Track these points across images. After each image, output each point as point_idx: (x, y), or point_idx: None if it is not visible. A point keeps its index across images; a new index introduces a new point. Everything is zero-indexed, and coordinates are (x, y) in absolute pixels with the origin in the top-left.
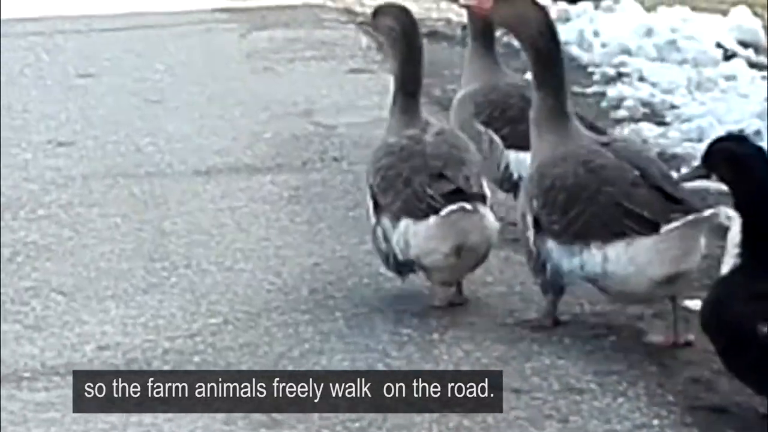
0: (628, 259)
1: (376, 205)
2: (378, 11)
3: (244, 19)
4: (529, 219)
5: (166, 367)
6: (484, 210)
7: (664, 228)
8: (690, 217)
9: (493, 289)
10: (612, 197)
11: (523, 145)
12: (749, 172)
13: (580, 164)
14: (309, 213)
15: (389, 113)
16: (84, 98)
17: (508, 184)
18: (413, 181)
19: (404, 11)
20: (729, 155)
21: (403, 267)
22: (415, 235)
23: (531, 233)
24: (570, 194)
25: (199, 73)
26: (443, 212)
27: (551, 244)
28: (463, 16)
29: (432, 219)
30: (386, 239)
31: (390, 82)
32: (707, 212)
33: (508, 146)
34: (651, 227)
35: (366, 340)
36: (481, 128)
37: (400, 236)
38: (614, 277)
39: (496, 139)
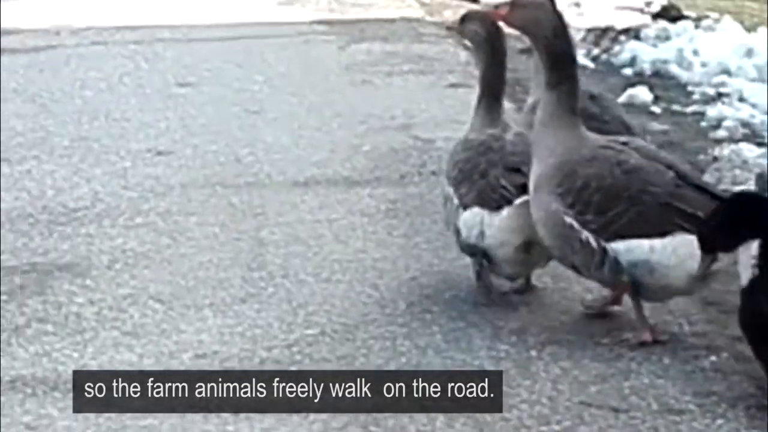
0: (671, 254)
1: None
2: (465, 17)
3: (342, 32)
4: (569, 219)
5: (264, 377)
6: None
7: None
8: None
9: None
10: (658, 197)
11: None
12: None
13: (615, 165)
14: (406, 226)
15: (473, 113)
16: (183, 107)
17: None
18: (489, 173)
19: (489, 19)
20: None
21: (475, 254)
22: (490, 226)
23: (587, 232)
24: (608, 195)
25: (298, 85)
26: (516, 202)
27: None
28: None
29: (505, 210)
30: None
31: None
32: None
33: None
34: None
35: (463, 355)
36: None
37: (475, 225)
38: (658, 271)
39: None
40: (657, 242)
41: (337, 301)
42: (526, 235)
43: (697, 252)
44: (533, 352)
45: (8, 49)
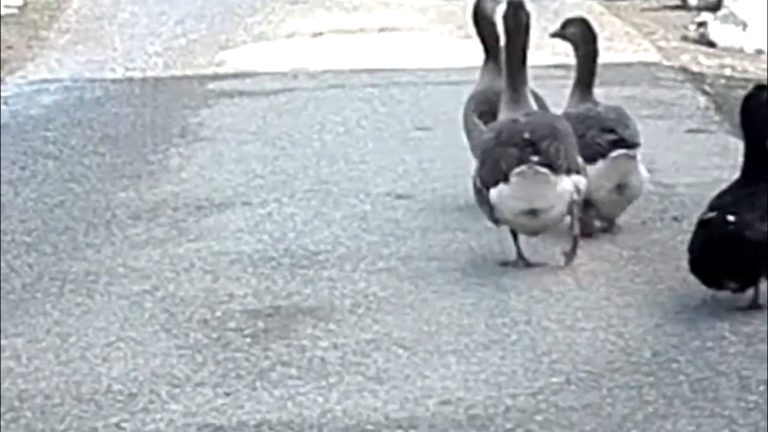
0: (498, 198)
1: None
2: (566, 23)
3: (573, 76)
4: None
5: (509, 425)
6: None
7: (511, 177)
8: (521, 169)
9: None
10: (494, 155)
11: None
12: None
13: (493, 130)
14: (650, 273)
15: (570, 94)
16: (421, 151)
17: None
18: (586, 134)
19: (585, 23)
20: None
21: None
22: (587, 175)
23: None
24: (482, 152)
25: None
26: (611, 155)
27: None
28: None
29: (600, 162)
30: None
31: (730, 141)
32: (536, 168)
33: None
34: (505, 177)
35: (711, 405)
36: (477, 121)
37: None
38: (498, 211)
39: (484, 129)
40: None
41: (581, 348)
42: (618, 180)
43: (503, 197)
44: None
45: (247, 92)
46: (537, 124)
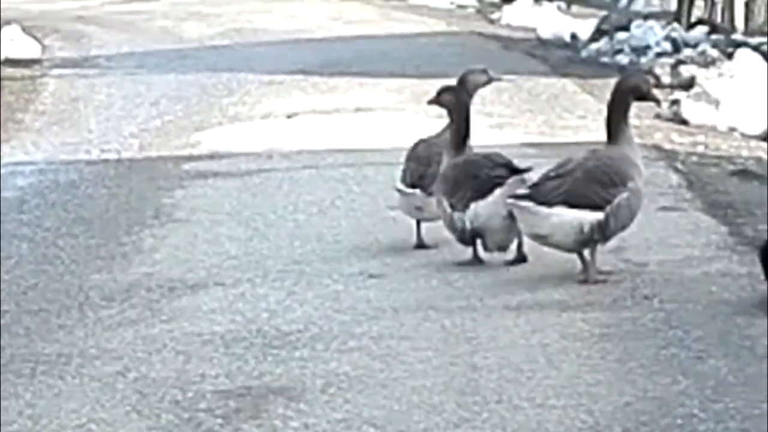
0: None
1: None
2: (441, 91)
3: (552, 155)
4: None
5: None
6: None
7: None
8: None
9: None
10: None
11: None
12: None
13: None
14: (620, 351)
15: (445, 151)
16: (394, 231)
17: None
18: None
19: (458, 91)
20: None
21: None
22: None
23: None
24: None
25: None
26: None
27: None
28: None
29: (497, 191)
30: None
31: (701, 219)
32: (516, 202)
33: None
34: None
35: None
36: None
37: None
38: None
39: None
40: None
41: (551, 426)
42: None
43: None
44: None
45: (221, 173)
46: (563, 165)
